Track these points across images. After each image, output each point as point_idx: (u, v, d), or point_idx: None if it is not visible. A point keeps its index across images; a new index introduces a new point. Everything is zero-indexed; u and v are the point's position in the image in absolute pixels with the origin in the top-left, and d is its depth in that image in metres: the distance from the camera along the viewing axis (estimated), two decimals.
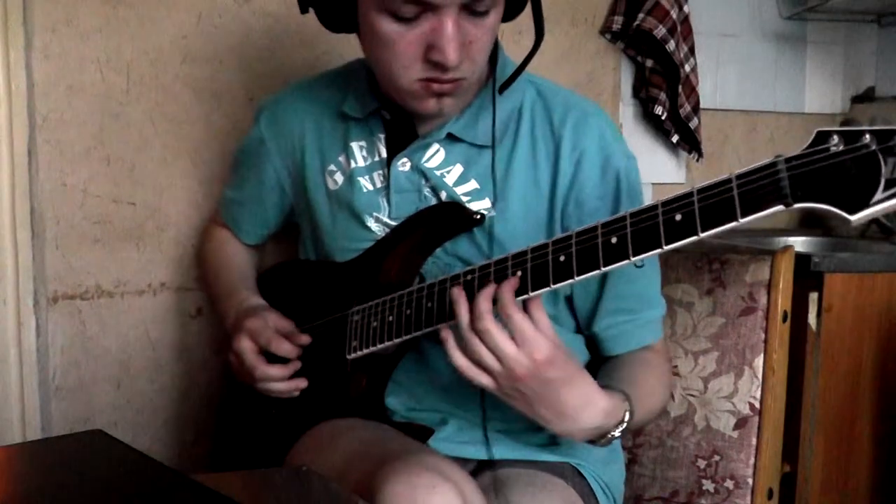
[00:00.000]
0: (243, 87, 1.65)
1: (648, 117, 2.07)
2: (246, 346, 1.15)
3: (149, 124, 1.60)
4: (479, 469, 1.13)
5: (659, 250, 0.84)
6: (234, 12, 1.63)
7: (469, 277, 0.99)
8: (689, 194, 0.82)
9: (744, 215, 0.78)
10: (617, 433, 0.99)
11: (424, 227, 1.13)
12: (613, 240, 0.87)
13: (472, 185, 1.13)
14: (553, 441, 1.17)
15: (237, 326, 1.19)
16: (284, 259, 1.40)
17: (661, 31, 1.90)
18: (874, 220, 2.02)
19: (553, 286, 0.92)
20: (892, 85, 2.21)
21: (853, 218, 0.73)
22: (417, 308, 1.04)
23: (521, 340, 0.91)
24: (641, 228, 0.85)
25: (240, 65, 1.64)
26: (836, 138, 0.74)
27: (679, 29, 1.95)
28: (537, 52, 1.08)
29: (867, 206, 0.72)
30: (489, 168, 1.13)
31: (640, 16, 1.91)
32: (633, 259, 0.86)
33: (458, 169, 1.13)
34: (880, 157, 0.71)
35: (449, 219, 1.12)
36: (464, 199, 1.12)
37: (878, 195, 0.71)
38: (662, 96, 1.99)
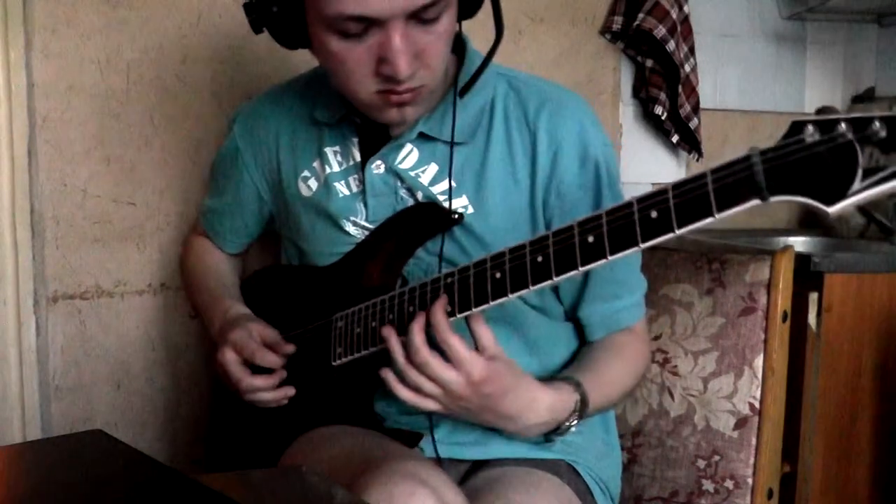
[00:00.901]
0: (243, 87, 1.65)
1: (648, 117, 2.07)
2: (230, 357, 1.15)
3: (149, 124, 1.60)
4: (473, 468, 1.13)
5: (636, 248, 0.84)
6: (234, 12, 1.63)
7: (449, 280, 0.99)
8: (665, 191, 0.82)
9: (720, 210, 0.78)
10: (572, 423, 1.03)
11: (403, 228, 1.13)
12: (590, 239, 0.87)
13: (448, 183, 1.12)
14: (548, 438, 1.16)
15: (221, 338, 1.18)
16: (267, 264, 1.40)
17: (661, 31, 1.90)
18: (874, 220, 2.02)
19: (532, 287, 0.92)
20: (892, 85, 2.21)
21: (831, 210, 0.71)
22: (400, 312, 1.03)
23: (457, 364, 0.95)
24: (618, 227, 0.85)
25: (240, 65, 1.64)
26: (811, 128, 0.72)
27: (679, 29, 1.95)
28: (498, 47, 1.07)
29: (845, 196, 0.70)
30: (465, 165, 1.12)
31: (640, 16, 1.91)
32: (610, 258, 0.86)
33: (433, 168, 1.13)
34: (857, 146, 0.70)
35: (427, 219, 1.12)
36: (440, 198, 1.12)
37: (856, 185, 0.70)
38: (662, 96, 1.99)
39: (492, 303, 0.95)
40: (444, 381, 0.96)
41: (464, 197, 1.11)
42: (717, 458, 1.27)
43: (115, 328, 1.62)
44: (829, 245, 2.10)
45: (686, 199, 0.80)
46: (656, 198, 0.82)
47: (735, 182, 0.76)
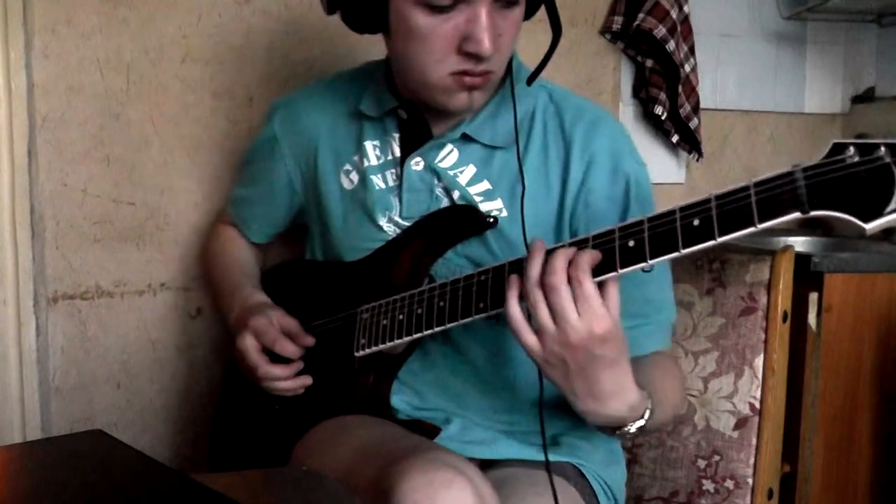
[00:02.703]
0: (243, 87, 1.65)
1: (648, 117, 2.06)
2: (249, 344, 1.16)
3: (149, 124, 1.60)
4: (481, 469, 1.13)
5: (676, 254, 0.86)
6: (234, 12, 1.63)
7: (483, 278, 1.00)
8: (707, 200, 0.84)
9: (761, 221, 0.81)
10: (633, 429, 0.98)
11: (436, 228, 1.13)
12: (631, 243, 0.88)
13: (485, 185, 1.13)
14: (555, 441, 1.17)
15: (241, 324, 1.19)
16: (290, 258, 1.40)
17: (661, 31, 1.90)
18: None
19: None
20: (892, 85, 2.21)
21: (868, 226, 0.76)
22: (429, 307, 1.04)
23: (584, 309, 0.89)
24: (659, 233, 0.87)
25: (240, 65, 1.64)
26: (851, 150, 0.77)
27: (679, 29, 1.95)
28: (556, 48, 1.09)
29: (881, 215, 0.75)
30: (502, 169, 1.13)
31: (640, 16, 1.91)
32: (650, 262, 0.87)
33: (471, 169, 1.14)
34: (894, 169, 0.75)
35: (462, 221, 1.13)
36: (476, 199, 1.13)
37: (892, 205, 0.75)
38: (662, 96, 1.99)
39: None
40: (565, 319, 0.89)
41: (498, 200, 1.13)
42: (717, 458, 1.27)
43: (115, 328, 1.62)
44: (829, 245, 2.10)
45: (729, 209, 0.83)
46: (699, 206, 0.85)
47: (778, 195, 0.80)
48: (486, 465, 1.13)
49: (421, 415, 1.16)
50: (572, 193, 1.12)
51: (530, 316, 0.93)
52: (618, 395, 0.95)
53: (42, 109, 1.53)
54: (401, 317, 1.08)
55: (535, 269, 0.91)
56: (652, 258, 0.87)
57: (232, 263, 1.38)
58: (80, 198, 1.57)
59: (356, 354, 1.14)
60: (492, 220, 1.10)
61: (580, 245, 0.92)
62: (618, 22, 1.96)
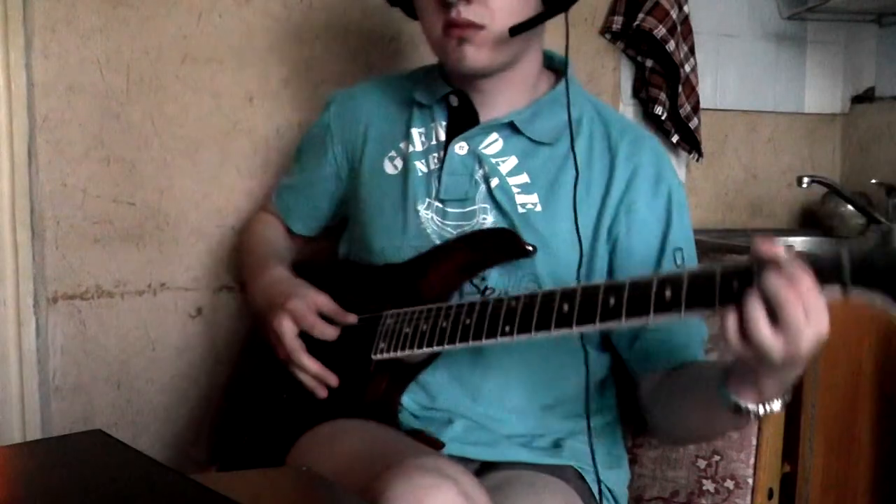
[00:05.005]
0: (243, 87, 1.65)
1: (648, 117, 2.06)
2: (287, 328, 1.16)
3: (149, 124, 1.60)
4: (482, 470, 1.13)
5: (710, 310, 0.88)
6: (234, 12, 1.63)
7: (513, 304, 1.00)
8: (749, 268, 0.85)
9: None
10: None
11: (475, 249, 1.14)
12: (668, 293, 0.89)
13: (524, 178, 1.16)
14: (557, 445, 1.17)
15: (274, 304, 1.20)
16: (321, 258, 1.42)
17: (661, 31, 1.90)
18: (873, 220, 2.02)
19: (598, 326, 0.94)
20: (892, 85, 2.20)
21: None
22: (454, 323, 1.05)
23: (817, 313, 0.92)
24: (697, 286, 0.88)
25: (240, 65, 1.64)
26: None
27: (679, 29, 1.95)
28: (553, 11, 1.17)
29: None
30: (543, 165, 1.16)
31: (640, 16, 1.90)
32: (683, 315, 0.88)
33: (512, 160, 1.17)
34: None
35: (501, 246, 1.14)
36: (514, 190, 1.15)
37: None
38: (662, 96, 1.99)
39: (553, 332, 0.97)
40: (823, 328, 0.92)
41: (535, 195, 1.15)
42: (717, 458, 1.27)
43: (115, 328, 1.62)
44: (829, 245, 2.10)
45: None
46: (739, 269, 0.86)
47: (821, 269, 0.84)
48: (487, 467, 1.13)
49: (428, 414, 1.16)
50: (615, 198, 1.15)
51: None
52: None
53: (42, 109, 1.53)
54: (424, 327, 1.08)
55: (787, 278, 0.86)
56: (687, 310, 0.88)
57: (264, 243, 1.41)
58: (80, 198, 1.57)
59: (374, 357, 1.14)
60: (531, 248, 1.11)
61: (616, 288, 0.94)
62: (618, 22, 1.96)
